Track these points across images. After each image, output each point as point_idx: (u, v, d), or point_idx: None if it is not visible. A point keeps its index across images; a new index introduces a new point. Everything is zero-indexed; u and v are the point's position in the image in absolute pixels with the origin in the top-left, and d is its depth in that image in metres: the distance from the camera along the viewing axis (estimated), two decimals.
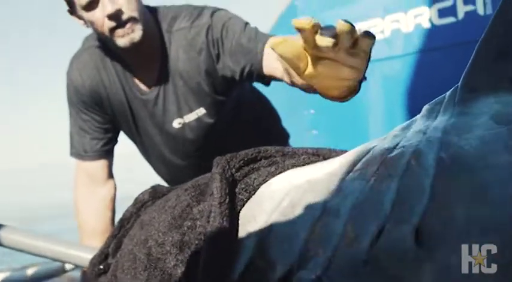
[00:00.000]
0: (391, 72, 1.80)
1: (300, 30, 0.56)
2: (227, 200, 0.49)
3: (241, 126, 1.42)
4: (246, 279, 0.47)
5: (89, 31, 1.33)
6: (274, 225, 0.48)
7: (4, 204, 5.73)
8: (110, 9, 1.11)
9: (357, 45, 0.58)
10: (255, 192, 0.53)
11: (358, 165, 0.48)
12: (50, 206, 5.20)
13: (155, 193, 0.76)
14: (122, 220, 0.79)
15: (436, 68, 1.70)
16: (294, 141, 1.62)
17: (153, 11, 1.28)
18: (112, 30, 1.15)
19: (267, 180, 0.54)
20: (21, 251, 1.10)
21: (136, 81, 1.31)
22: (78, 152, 1.37)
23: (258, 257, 0.45)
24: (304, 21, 0.55)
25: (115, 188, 1.41)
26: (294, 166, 0.55)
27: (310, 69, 0.62)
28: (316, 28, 0.56)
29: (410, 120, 0.53)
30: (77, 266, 1.28)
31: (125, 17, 1.13)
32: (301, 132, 2.04)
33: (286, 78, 0.91)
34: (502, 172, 0.39)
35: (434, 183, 0.40)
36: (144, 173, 1.95)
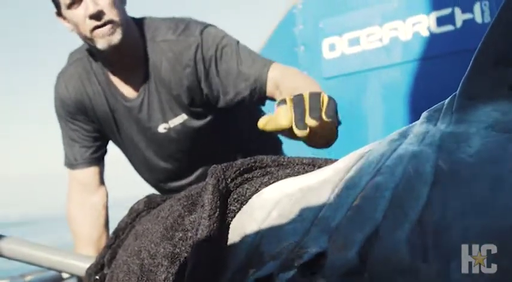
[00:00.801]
0: (390, 80, 1.80)
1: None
2: (217, 212, 0.48)
3: (228, 129, 1.44)
4: None
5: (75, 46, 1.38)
6: (263, 236, 0.47)
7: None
8: (92, 9, 1.16)
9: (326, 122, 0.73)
10: (246, 202, 0.52)
11: (352, 172, 0.47)
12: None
13: (150, 203, 0.76)
14: (117, 230, 0.78)
15: (435, 76, 1.70)
16: (290, 151, 1.61)
17: (138, 21, 1.32)
18: (92, 30, 1.18)
19: (259, 190, 0.53)
20: (17, 260, 1.10)
21: (121, 88, 1.33)
22: (70, 162, 1.40)
23: (248, 268, 0.44)
24: (280, 127, 0.73)
25: (107, 195, 1.43)
26: (288, 176, 0.54)
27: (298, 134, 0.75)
28: (290, 125, 0.72)
29: (408, 125, 0.53)
30: (73, 275, 1.29)
31: (106, 18, 1.18)
32: (297, 141, 2.03)
33: None
34: (500, 181, 0.38)
35: (431, 192, 0.39)
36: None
